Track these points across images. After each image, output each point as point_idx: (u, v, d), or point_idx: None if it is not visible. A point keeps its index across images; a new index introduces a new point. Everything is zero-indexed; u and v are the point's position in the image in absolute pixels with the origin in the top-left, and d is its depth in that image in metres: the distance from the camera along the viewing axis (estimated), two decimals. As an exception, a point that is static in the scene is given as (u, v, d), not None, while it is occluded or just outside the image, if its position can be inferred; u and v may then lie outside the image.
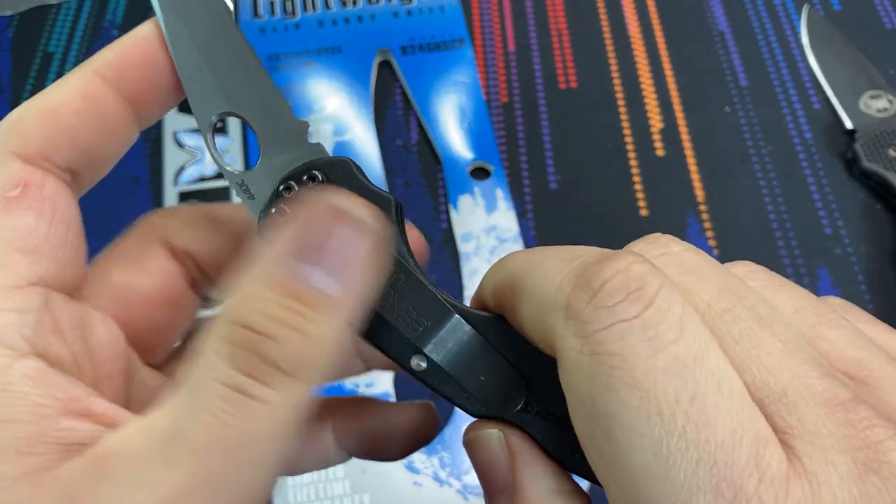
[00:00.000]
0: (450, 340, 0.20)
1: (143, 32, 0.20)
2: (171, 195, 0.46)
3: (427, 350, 0.20)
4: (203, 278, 0.24)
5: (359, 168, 0.21)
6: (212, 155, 0.21)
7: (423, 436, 0.26)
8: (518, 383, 0.20)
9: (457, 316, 0.20)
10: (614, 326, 0.15)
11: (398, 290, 0.20)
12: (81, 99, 0.19)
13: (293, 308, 0.17)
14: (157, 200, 0.46)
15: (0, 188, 0.18)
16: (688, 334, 0.15)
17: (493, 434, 0.19)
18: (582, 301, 0.16)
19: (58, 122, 0.19)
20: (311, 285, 0.17)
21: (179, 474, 0.16)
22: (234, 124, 0.49)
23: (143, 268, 0.22)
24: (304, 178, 0.21)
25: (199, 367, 0.17)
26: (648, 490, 0.14)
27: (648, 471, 0.14)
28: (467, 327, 0.20)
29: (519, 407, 0.19)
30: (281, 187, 0.21)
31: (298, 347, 0.17)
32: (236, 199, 0.21)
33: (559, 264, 0.17)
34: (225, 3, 0.21)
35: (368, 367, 0.27)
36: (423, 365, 0.20)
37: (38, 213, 0.18)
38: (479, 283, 0.21)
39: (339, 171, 0.21)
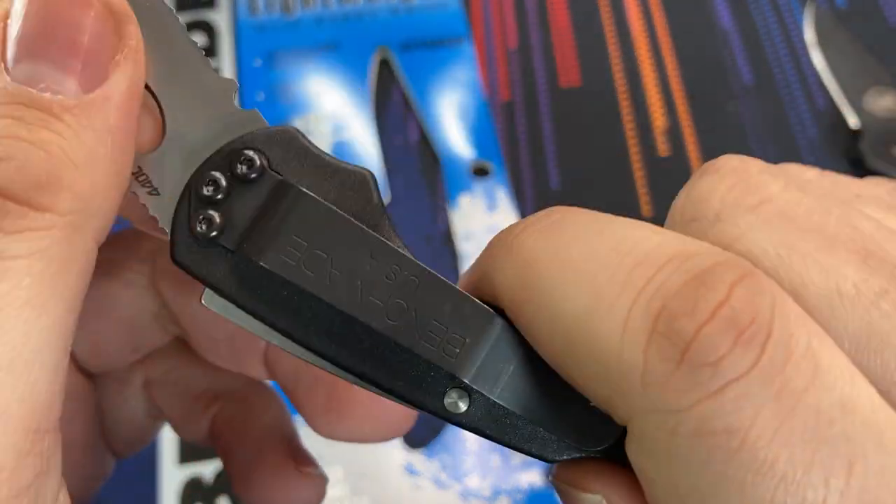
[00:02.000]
0: (500, 361, 0.14)
1: None
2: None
3: (470, 380, 0.14)
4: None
5: (308, 139, 0.16)
6: None
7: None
8: None
9: (502, 322, 0.14)
10: (724, 392, 0.11)
11: (410, 296, 0.14)
12: None
13: (21, 117, 0.13)
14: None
15: None
16: (824, 370, 0.11)
17: (594, 501, 0.14)
18: (669, 362, 0.11)
19: None
20: (38, 84, 0.13)
21: None
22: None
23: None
24: (236, 165, 0.15)
25: None
26: None
27: None
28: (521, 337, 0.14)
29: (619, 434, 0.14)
30: (199, 184, 0.15)
31: (40, 166, 0.12)
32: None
33: (615, 281, 0.12)
34: None
35: (272, 376, 0.22)
36: (463, 406, 0.14)
37: None
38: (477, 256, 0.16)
39: (283, 147, 0.15)
